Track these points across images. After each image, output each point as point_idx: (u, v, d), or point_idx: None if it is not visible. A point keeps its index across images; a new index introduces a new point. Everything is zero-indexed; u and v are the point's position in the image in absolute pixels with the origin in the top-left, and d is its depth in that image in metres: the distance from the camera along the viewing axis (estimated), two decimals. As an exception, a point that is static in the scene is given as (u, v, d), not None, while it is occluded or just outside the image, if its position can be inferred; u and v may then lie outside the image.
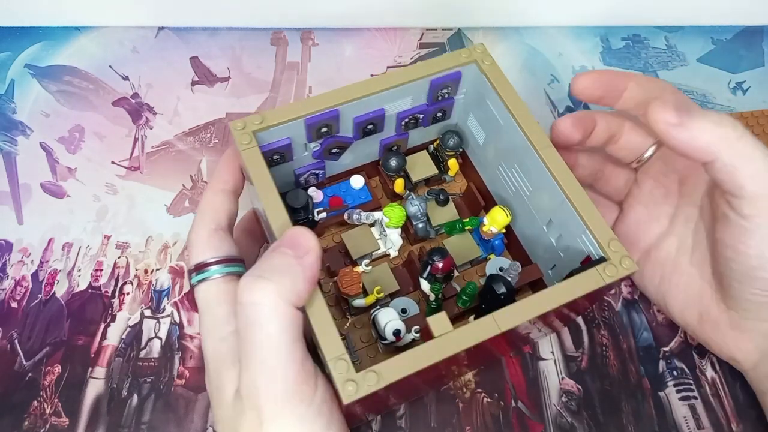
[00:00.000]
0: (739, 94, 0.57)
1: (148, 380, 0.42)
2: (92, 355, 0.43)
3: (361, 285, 0.39)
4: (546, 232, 0.38)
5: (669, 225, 0.41)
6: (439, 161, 0.45)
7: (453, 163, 0.45)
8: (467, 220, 0.43)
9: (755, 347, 0.38)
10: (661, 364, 0.43)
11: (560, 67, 0.59)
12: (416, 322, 0.38)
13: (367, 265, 0.41)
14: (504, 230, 0.41)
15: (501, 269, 0.41)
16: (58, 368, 0.42)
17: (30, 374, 0.42)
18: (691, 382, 0.42)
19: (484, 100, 0.39)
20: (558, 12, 0.61)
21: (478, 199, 0.44)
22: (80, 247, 0.48)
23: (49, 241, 0.48)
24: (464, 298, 0.38)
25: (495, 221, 0.40)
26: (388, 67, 0.59)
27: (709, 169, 0.34)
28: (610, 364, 0.42)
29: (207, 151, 0.54)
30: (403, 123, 0.41)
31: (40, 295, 0.46)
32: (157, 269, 0.47)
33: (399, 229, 0.42)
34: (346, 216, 0.41)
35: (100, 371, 0.42)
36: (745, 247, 0.34)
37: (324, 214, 0.41)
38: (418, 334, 0.38)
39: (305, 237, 0.29)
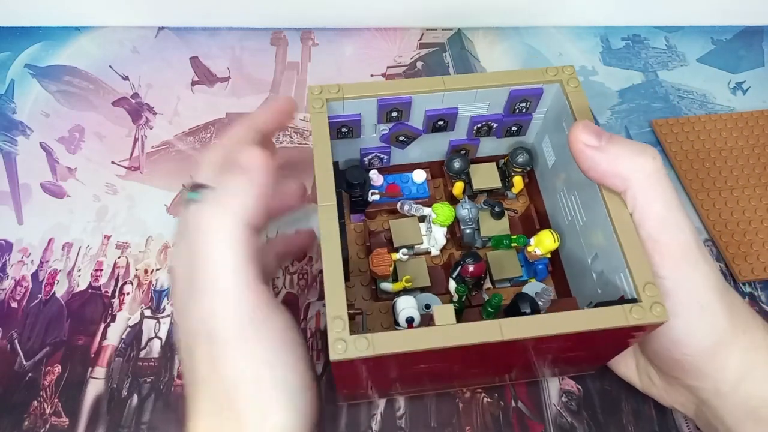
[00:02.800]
0: (739, 94, 0.57)
1: (148, 380, 0.42)
2: (92, 355, 0.43)
3: (390, 268, 0.38)
4: (590, 266, 0.37)
5: None
6: (506, 177, 0.44)
7: (518, 181, 0.43)
8: (515, 237, 0.41)
9: (686, 399, 0.37)
10: (661, 364, 0.43)
11: (560, 67, 0.59)
12: None
13: (405, 254, 0.40)
14: (549, 255, 0.40)
15: (537, 293, 0.40)
16: (58, 368, 0.42)
17: (30, 374, 0.42)
18: (691, 382, 0.42)
19: (561, 123, 0.38)
20: (558, 12, 0.61)
21: (534, 221, 0.43)
22: (80, 247, 0.48)
23: (49, 241, 0.48)
24: (489, 309, 0.38)
25: (541, 243, 0.38)
26: (388, 67, 0.59)
27: (623, 198, 0.33)
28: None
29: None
30: (475, 128, 0.41)
31: (40, 295, 0.46)
32: (157, 269, 0.47)
33: (445, 229, 0.41)
34: (398, 206, 0.41)
35: (100, 371, 0.42)
36: None
37: (377, 197, 0.42)
38: None
39: (254, 155, 0.30)
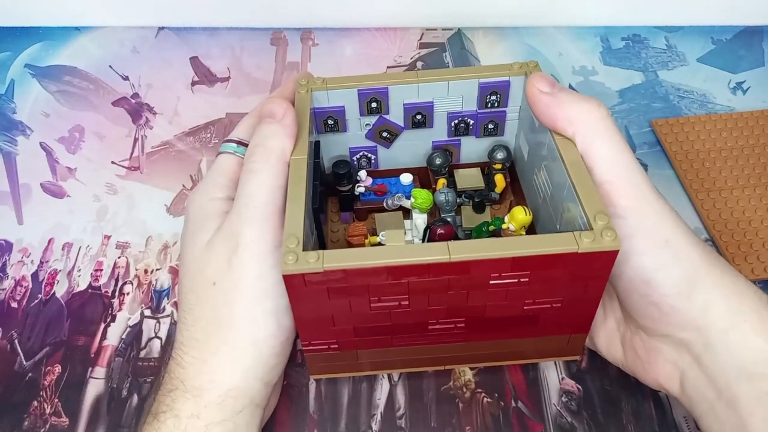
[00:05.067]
0: (739, 94, 0.57)
1: (148, 380, 0.42)
2: (92, 355, 0.43)
3: (364, 239, 0.40)
4: (558, 230, 0.37)
5: None
6: (490, 180, 0.45)
7: (500, 179, 0.44)
8: (492, 220, 0.42)
9: (672, 366, 0.35)
10: (661, 364, 0.43)
11: (560, 67, 0.59)
12: None
13: (383, 237, 0.42)
14: (524, 233, 0.40)
15: None
16: (58, 368, 0.42)
17: (30, 374, 0.42)
18: (691, 382, 0.42)
19: (533, 120, 0.39)
20: (558, 12, 0.61)
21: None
22: (80, 247, 0.48)
23: (49, 241, 0.48)
24: None
25: (514, 218, 0.39)
26: (388, 67, 0.59)
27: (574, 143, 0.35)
28: (610, 364, 0.42)
29: (207, 151, 0.54)
30: (453, 124, 0.43)
31: (40, 295, 0.46)
32: (157, 269, 0.47)
33: (425, 216, 0.42)
34: (384, 202, 0.44)
35: (100, 371, 0.42)
36: None
37: (362, 188, 0.44)
38: None
39: (278, 104, 0.36)
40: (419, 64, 0.60)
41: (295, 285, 0.30)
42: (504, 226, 0.40)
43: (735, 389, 0.31)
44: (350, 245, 0.41)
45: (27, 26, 0.62)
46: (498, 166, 0.44)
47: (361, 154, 0.45)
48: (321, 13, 0.61)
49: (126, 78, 0.59)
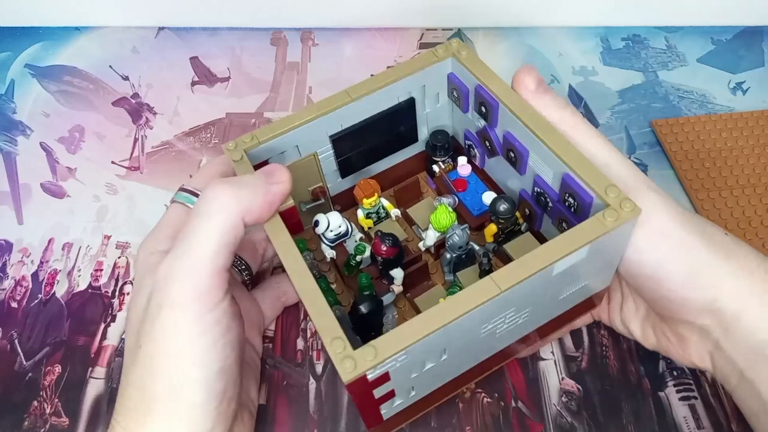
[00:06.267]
0: (738, 94, 0.57)
1: (148, 380, 0.42)
2: (92, 355, 0.43)
3: (364, 199, 0.40)
4: None
5: None
6: None
7: None
8: (453, 288, 0.40)
9: (702, 348, 0.35)
10: (661, 364, 0.42)
11: (560, 67, 0.59)
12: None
13: (396, 214, 0.43)
14: None
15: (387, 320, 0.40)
16: (58, 368, 0.42)
17: (30, 374, 0.42)
18: (691, 382, 0.42)
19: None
20: (558, 12, 0.61)
21: None
22: (80, 247, 0.48)
23: (49, 241, 0.48)
24: (362, 285, 0.38)
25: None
26: (388, 67, 0.59)
27: None
28: (610, 364, 0.42)
29: (207, 151, 0.54)
30: (535, 191, 0.37)
31: (40, 295, 0.46)
32: (157, 269, 0.47)
33: (437, 234, 0.40)
34: (441, 197, 0.43)
35: (100, 371, 0.42)
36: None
37: (437, 169, 0.44)
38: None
39: (281, 171, 0.32)
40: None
41: None
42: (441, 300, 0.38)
43: (753, 372, 0.32)
44: (355, 194, 0.41)
45: (27, 26, 0.62)
46: None
47: (470, 143, 0.42)
48: (321, 13, 0.61)
49: (126, 78, 0.59)
